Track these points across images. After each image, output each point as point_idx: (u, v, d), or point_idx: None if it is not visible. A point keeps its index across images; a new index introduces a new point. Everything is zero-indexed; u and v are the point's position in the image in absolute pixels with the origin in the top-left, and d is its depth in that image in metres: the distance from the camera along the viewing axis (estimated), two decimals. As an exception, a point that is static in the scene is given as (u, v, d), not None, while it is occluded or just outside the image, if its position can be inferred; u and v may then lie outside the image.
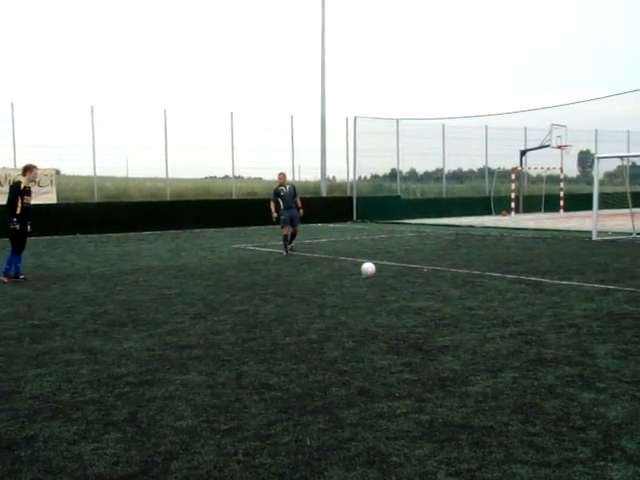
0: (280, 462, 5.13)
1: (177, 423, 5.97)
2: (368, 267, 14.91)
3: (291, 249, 20.24)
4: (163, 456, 5.28)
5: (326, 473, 4.93)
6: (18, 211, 14.62)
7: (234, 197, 33.57)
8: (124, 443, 5.54)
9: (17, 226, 14.59)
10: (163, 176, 32.07)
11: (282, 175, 20.74)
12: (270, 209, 20.56)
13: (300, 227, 20.85)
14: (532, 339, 8.96)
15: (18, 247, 14.90)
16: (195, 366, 7.81)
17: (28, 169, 15.21)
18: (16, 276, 14.87)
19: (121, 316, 10.85)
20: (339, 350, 8.48)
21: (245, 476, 4.90)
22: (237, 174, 34.49)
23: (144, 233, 28.47)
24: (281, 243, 20.58)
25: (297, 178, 36.87)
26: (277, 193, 20.49)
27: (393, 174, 41.34)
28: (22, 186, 14.80)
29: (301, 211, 20.72)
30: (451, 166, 43.89)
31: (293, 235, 20.58)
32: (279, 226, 20.80)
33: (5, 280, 14.67)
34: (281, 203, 20.41)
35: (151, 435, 5.71)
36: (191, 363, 7.95)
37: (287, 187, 20.55)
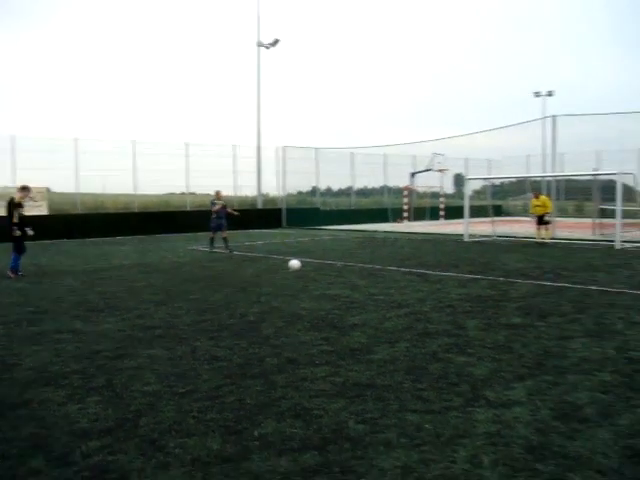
0: (226, 417, 5.11)
1: (144, 388, 5.89)
2: (294, 263, 14.91)
3: (230, 250, 20.18)
4: (133, 414, 5.20)
5: (262, 424, 4.92)
6: (16, 220, 14.34)
7: (188, 209, 33.26)
8: (102, 404, 5.45)
9: (18, 232, 14.33)
10: (132, 192, 31.65)
11: (217, 192, 20.98)
12: (212, 209, 20.73)
13: (227, 232, 20.81)
14: (420, 317, 9.10)
15: (19, 248, 14.59)
16: (158, 343, 7.71)
17: (24, 189, 14.97)
18: (15, 272, 14.45)
19: (99, 304, 10.63)
20: (272, 328, 8.47)
21: (199, 428, 4.87)
22: (191, 191, 34.16)
23: (117, 238, 27.91)
24: (219, 244, 20.71)
25: (238, 194, 36.63)
26: (213, 203, 20.71)
27: (314, 191, 41.39)
28: (16, 201, 14.54)
29: (237, 213, 21.40)
30: (358, 185, 44.16)
31: (225, 239, 20.55)
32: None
33: (12, 276, 14.30)
34: (214, 213, 20.63)
35: (124, 398, 5.62)
36: (155, 340, 7.84)
37: (220, 201, 20.70)
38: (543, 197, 23.17)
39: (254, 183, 37.06)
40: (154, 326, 8.70)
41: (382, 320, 8.90)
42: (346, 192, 43.80)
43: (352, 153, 41.44)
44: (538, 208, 22.65)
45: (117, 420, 5.06)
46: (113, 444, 4.58)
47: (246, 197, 38.40)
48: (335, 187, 45.20)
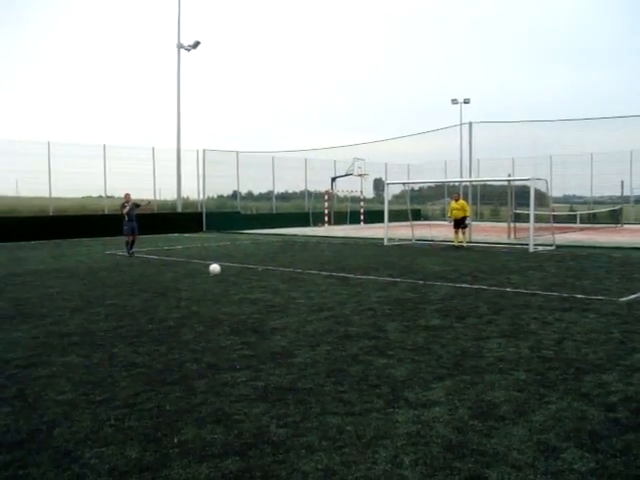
0: (145, 424, 4.99)
1: (59, 397, 5.69)
2: (214, 267, 14.77)
3: (132, 253, 20.31)
4: (47, 424, 5.01)
5: (183, 431, 4.84)
6: None
7: (106, 212, 32.41)
8: (13, 415, 5.22)
9: None
10: (47, 195, 30.62)
11: (127, 195, 21.09)
12: (122, 211, 20.83)
13: (138, 236, 21.04)
14: (341, 320, 9.16)
15: None
16: (74, 350, 7.47)
17: None
18: None
19: (11, 311, 10.21)
20: (192, 333, 8.35)
21: (117, 437, 4.73)
22: (109, 194, 33.32)
23: (32, 242, 26.92)
24: (129, 249, 20.61)
25: (158, 197, 35.99)
26: (123, 207, 20.73)
27: (234, 195, 41.12)
28: None
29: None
30: (279, 189, 44.16)
31: (133, 242, 20.68)
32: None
33: None
34: (126, 217, 20.66)
35: (37, 408, 5.41)
36: (70, 348, 7.59)
37: (130, 204, 20.74)
38: (462, 201, 23.69)
39: (174, 186, 36.54)
40: (69, 333, 8.43)
41: (303, 323, 8.91)
42: (267, 196, 43.74)
43: (273, 157, 41.45)
44: (457, 212, 23.14)
45: (29, 432, 4.87)
46: (25, 457, 4.40)
47: (165, 201, 37.82)
48: (256, 191, 45.08)
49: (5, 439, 4.71)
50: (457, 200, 23.60)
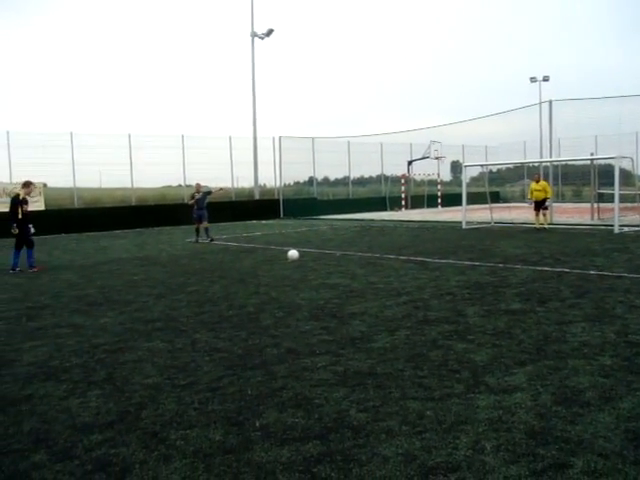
0: (227, 408, 5.11)
1: (145, 380, 5.89)
2: (293, 253, 14.92)
3: (211, 240, 21.18)
4: (135, 407, 5.20)
5: (264, 415, 4.93)
6: (20, 217, 14.40)
7: (185, 201, 33.22)
8: (104, 398, 5.44)
9: (17, 230, 14.40)
10: (129, 186, 31.59)
11: (197, 184, 22.35)
12: (189, 201, 22.14)
13: (208, 223, 21.80)
14: (420, 305, 9.10)
15: (19, 244, 14.70)
16: (158, 335, 7.71)
17: (26, 184, 14.97)
18: (13, 268, 14.44)
19: (98, 298, 10.62)
20: (271, 319, 8.47)
21: (200, 420, 4.87)
22: (188, 183, 34.08)
23: (115, 232, 27.88)
24: (201, 235, 21.58)
25: (235, 185, 36.58)
26: (193, 197, 21.79)
27: (311, 181, 41.35)
28: (21, 197, 14.60)
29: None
30: (355, 174, 44.11)
31: (206, 229, 21.51)
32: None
33: (33, 270, 14.49)
34: (195, 205, 21.57)
35: (125, 391, 5.61)
36: (155, 333, 7.84)
37: (200, 193, 21.66)
38: (543, 182, 23.10)
39: (251, 174, 37.04)
40: (153, 319, 8.70)
41: (382, 308, 8.90)
42: (343, 181, 43.78)
43: (349, 142, 41.38)
44: (538, 193, 22.56)
45: (118, 413, 5.06)
46: (115, 437, 4.58)
47: (243, 189, 38.38)
48: (332, 177, 45.19)
49: (97, 420, 4.92)
50: (538, 181, 22.97)
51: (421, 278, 11.65)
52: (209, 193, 21.94)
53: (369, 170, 45.66)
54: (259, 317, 8.61)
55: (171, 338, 7.54)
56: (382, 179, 45.02)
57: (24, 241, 14.67)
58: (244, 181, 38.00)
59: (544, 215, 22.74)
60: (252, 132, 36.78)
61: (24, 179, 15.52)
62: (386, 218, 32.48)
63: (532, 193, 22.97)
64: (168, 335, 7.70)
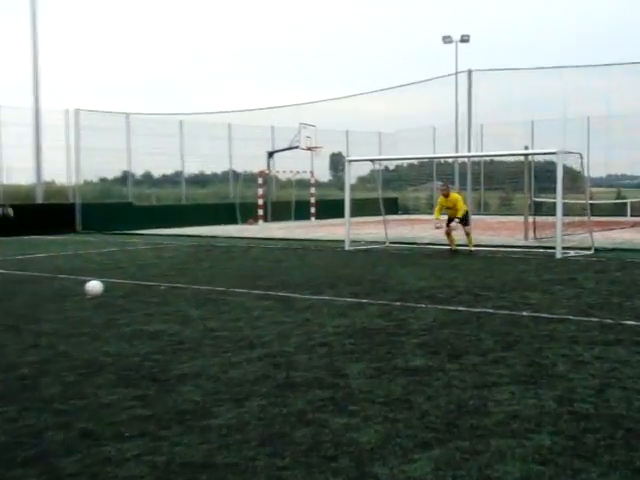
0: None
1: None
2: (94, 286, 14.59)
3: None
4: None
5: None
6: None
7: None
8: None
9: None
10: None
11: None
12: None
13: None
14: (281, 361, 9.11)
15: None
16: None
17: None
18: None
19: None
20: (57, 386, 8.19)
21: None
22: None
23: None
24: None
25: (5, 181, 35.44)
26: None
27: (124, 177, 40.83)
28: None
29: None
30: (192, 169, 44.02)
31: None
32: None
33: None
34: None
35: None
36: None
37: None
38: (455, 195, 23.60)
39: (30, 165, 35.95)
40: None
41: (225, 367, 8.84)
42: (173, 179, 43.55)
43: (182, 121, 41.23)
44: (451, 211, 22.99)
45: None
46: None
47: (19, 187, 37.29)
48: (157, 172, 44.80)
49: None
50: (447, 195, 23.35)
51: (284, 322, 11.70)
52: None
53: (212, 163, 45.63)
54: (38, 383, 8.31)
55: None
56: (230, 177, 45.16)
57: None
58: (19, 175, 36.92)
59: (467, 234, 23.16)
60: (33, 101, 35.74)
61: None
62: (236, 234, 32.47)
63: (439, 211, 23.39)
64: None
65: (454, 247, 23.16)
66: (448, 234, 23.28)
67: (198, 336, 10.74)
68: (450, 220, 23.09)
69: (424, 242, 26.16)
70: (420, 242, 26.25)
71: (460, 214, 22.89)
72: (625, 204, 40.18)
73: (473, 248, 23.13)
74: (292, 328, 11.24)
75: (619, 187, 50.50)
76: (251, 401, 7.48)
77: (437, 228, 23.53)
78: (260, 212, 41.78)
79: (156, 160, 41.85)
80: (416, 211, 49.89)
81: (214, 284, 16.28)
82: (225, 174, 45.63)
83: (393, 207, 46.59)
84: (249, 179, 44.29)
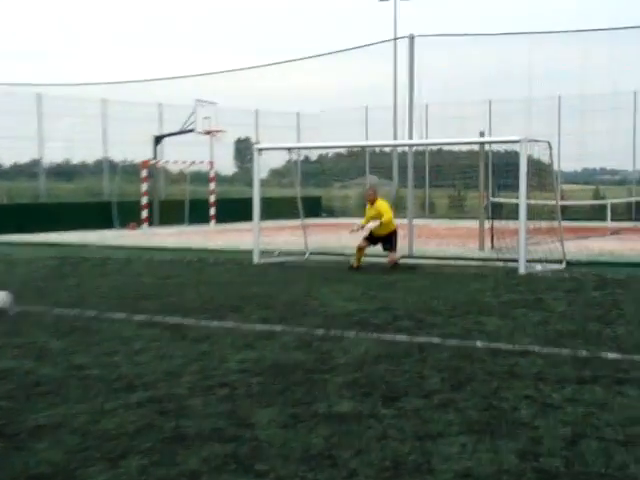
0: None
1: None
2: None
3: None
4: None
5: None
6: None
7: None
8: None
9: None
10: None
11: None
12: None
13: None
14: (169, 407, 9.05)
15: None
16: None
17: None
18: None
19: None
20: None
21: None
22: None
23: None
24: None
25: None
26: None
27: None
28: None
29: None
30: (54, 156, 43.64)
31: None
32: None
33: None
34: None
35: None
36: None
37: None
38: (381, 202, 23.76)
39: None
40: None
41: (97, 416, 8.76)
42: (29, 170, 43.11)
43: (39, 95, 40.78)
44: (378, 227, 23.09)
45: None
46: None
47: None
48: (7, 160, 44.30)
49: None
50: (373, 202, 23.59)
51: (174, 357, 11.66)
52: None
53: (81, 151, 45.26)
54: None
55: None
56: (105, 168, 44.84)
57: None
58: None
59: (391, 250, 23.34)
60: None
61: None
62: (112, 243, 32.31)
63: (366, 219, 23.58)
64: None
65: (356, 264, 23.30)
66: (360, 249, 23.45)
67: (60, 375, 10.62)
68: (376, 239, 23.30)
69: (354, 253, 26.23)
70: (349, 253, 26.25)
71: (388, 223, 23.17)
72: (604, 206, 40.42)
73: (399, 260, 23.48)
74: (184, 364, 11.18)
75: (597, 184, 51.21)
76: (129, 460, 7.40)
77: (351, 232, 23.68)
78: (144, 214, 41.50)
79: (5, 145, 41.28)
80: (344, 214, 50.00)
81: (83, 307, 16.13)
82: (98, 164, 45.33)
83: (315, 208, 46.72)
84: (130, 171, 44.03)
